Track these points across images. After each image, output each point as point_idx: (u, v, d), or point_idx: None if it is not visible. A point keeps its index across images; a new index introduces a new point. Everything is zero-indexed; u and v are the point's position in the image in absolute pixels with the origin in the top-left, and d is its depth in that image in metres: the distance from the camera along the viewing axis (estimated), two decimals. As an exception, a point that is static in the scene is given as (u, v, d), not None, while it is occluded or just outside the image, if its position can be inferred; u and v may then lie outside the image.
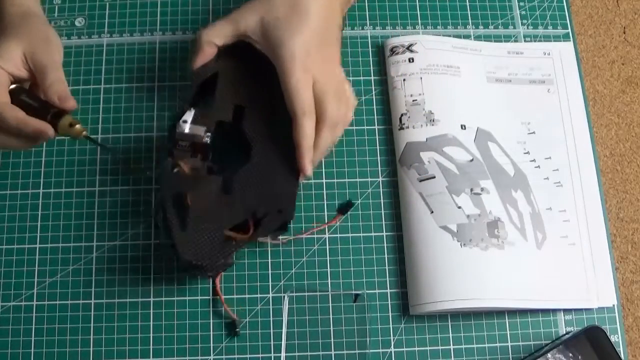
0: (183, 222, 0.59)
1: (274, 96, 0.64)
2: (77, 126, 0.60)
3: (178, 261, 0.61)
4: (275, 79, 0.64)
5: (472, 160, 0.68)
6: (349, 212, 0.68)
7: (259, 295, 0.65)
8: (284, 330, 0.64)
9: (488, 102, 0.71)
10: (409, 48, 0.72)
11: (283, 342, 0.63)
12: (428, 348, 0.64)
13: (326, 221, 0.67)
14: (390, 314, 0.65)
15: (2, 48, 0.60)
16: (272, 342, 0.64)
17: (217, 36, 0.64)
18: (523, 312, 0.65)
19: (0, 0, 0.65)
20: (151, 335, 0.64)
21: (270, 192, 0.62)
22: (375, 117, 0.71)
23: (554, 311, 0.65)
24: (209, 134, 0.63)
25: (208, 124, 0.63)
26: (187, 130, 0.62)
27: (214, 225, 0.60)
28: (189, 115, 0.62)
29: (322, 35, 0.64)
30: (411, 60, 0.71)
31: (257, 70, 0.65)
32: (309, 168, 0.63)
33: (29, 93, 0.61)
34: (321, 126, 0.63)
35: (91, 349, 0.63)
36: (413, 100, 0.70)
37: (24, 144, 0.60)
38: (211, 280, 0.64)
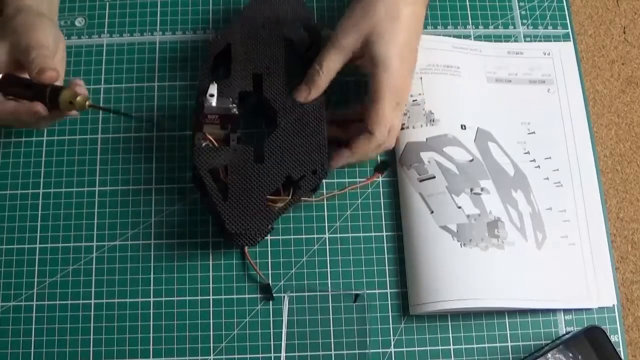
0: (224, 194, 0.61)
1: (289, 60, 0.66)
2: (79, 98, 0.60)
3: (222, 231, 0.63)
4: (287, 44, 0.66)
5: (472, 160, 0.68)
6: (386, 171, 0.69)
7: (259, 295, 0.65)
8: (284, 330, 0.64)
9: (488, 102, 0.71)
10: (409, 48, 0.72)
11: (283, 342, 0.63)
12: (428, 348, 0.64)
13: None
14: (390, 314, 0.65)
15: None
16: (272, 342, 0.64)
17: (333, 72, 0.64)
18: (523, 312, 0.65)
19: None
20: (151, 335, 0.64)
21: (301, 154, 0.64)
22: (375, 117, 0.71)
23: (554, 311, 0.65)
24: (235, 105, 0.64)
25: (231, 95, 0.64)
26: (214, 104, 0.63)
27: (253, 194, 0.62)
28: (213, 89, 0.64)
29: (412, 48, 0.65)
30: (411, 60, 0.71)
31: (267, 38, 0.67)
32: (334, 167, 0.66)
33: (18, 79, 0.61)
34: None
35: (91, 349, 0.63)
36: (413, 101, 0.70)
37: (32, 124, 0.64)
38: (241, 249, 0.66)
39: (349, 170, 0.69)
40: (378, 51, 0.62)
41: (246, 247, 0.65)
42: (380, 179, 0.69)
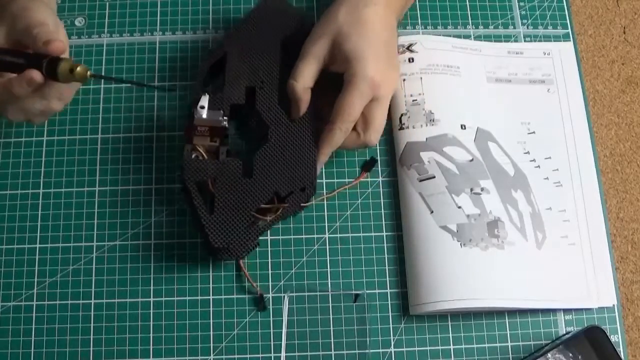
0: (209, 207, 0.61)
1: (285, 75, 0.65)
2: (79, 68, 0.57)
3: (207, 244, 0.62)
4: (283, 58, 0.66)
5: (472, 160, 0.68)
6: (373, 169, 0.69)
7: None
8: (284, 330, 0.64)
9: (488, 102, 0.71)
10: (408, 48, 0.72)
11: (283, 342, 0.63)
12: (428, 348, 0.64)
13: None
14: (390, 314, 0.65)
15: None
16: (272, 342, 0.64)
17: (309, 81, 0.64)
18: (523, 312, 0.65)
19: None
20: (151, 335, 0.64)
21: (291, 171, 0.63)
22: (375, 117, 0.71)
23: (554, 311, 0.65)
24: (225, 117, 0.64)
25: (222, 107, 0.64)
26: (205, 116, 0.63)
27: (239, 209, 0.61)
28: (204, 101, 0.63)
29: (388, 44, 0.65)
30: (411, 60, 0.71)
31: (263, 51, 0.67)
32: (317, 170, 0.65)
33: (11, 52, 0.59)
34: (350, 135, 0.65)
35: (91, 349, 0.63)
36: (413, 100, 0.70)
37: (27, 105, 0.60)
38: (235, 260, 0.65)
39: (339, 170, 0.69)
40: (347, 48, 0.63)
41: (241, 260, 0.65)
42: (380, 178, 0.69)
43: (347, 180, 0.69)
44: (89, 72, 0.57)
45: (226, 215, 0.61)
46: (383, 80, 0.63)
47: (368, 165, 0.69)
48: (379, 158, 0.70)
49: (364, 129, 0.64)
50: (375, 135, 0.65)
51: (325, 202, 0.68)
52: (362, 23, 0.63)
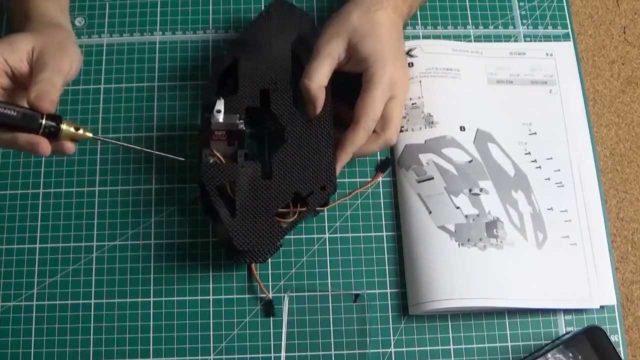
0: (231, 211, 0.61)
1: (297, 76, 0.65)
2: (81, 131, 0.54)
3: (229, 248, 0.62)
4: (294, 59, 0.66)
5: (471, 161, 0.68)
6: (388, 169, 0.69)
7: (259, 295, 0.65)
8: (284, 330, 0.64)
9: (489, 103, 0.71)
10: (408, 53, 0.72)
11: (283, 342, 0.63)
12: (428, 348, 0.64)
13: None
14: (390, 314, 0.65)
15: (14, 38, 0.57)
16: (272, 342, 0.64)
17: (324, 79, 0.64)
18: (523, 312, 0.65)
19: (30, 12, 0.63)
20: (151, 335, 0.64)
21: (310, 170, 0.63)
22: (375, 117, 0.71)
23: (554, 311, 0.65)
24: (242, 120, 0.63)
25: (238, 111, 0.64)
26: (221, 120, 0.63)
27: (261, 211, 0.61)
28: (220, 105, 0.63)
29: (399, 45, 0.67)
30: (410, 64, 0.71)
31: (274, 53, 0.67)
32: (337, 172, 0.64)
33: (7, 103, 0.53)
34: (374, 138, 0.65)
35: (91, 349, 0.63)
36: (412, 104, 0.70)
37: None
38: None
39: (351, 170, 0.69)
40: (365, 48, 0.64)
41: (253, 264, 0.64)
42: (381, 179, 0.69)
43: (359, 180, 0.69)
44: (91, 134, 0.55)
45: (248, 218, 0.61)
46: (399, 79, 0.65)
47: (383, 166, 0.69)
48: (378, 158, 0.70)
49: (383, 127, 0.65)
50: (394, 132, 0.65)
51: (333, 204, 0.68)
52: (376, 25, 0.64)
